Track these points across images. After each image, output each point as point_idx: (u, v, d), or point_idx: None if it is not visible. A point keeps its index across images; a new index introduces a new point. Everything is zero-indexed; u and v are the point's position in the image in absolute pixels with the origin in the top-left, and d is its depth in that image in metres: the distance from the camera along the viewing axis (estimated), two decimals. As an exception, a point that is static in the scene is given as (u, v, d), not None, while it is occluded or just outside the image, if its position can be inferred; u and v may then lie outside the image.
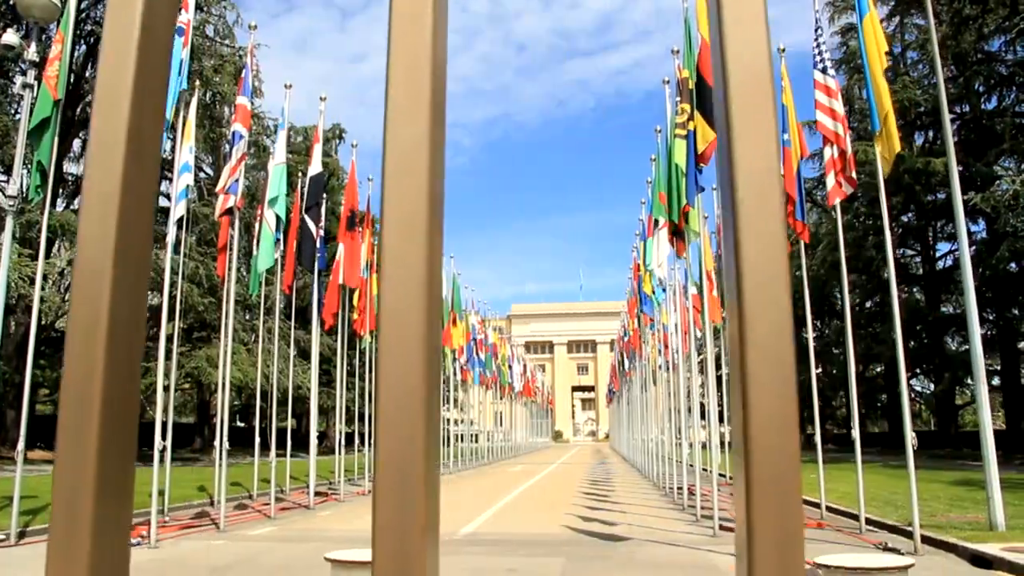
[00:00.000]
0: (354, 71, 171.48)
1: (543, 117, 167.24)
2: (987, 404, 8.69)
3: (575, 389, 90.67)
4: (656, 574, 6.85)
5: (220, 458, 10.59)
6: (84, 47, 25.33)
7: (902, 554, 7.77)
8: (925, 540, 8.19)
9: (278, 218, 11.13)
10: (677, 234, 11.39)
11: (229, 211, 9.93)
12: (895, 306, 8.35)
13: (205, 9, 28.10)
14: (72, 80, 24.49)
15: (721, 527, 9.15)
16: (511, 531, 10.16)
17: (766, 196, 0.63)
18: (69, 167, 27.28)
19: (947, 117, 9.06)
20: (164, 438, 9.31)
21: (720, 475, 19.11)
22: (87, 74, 25.17)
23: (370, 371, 22.64)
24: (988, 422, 8.58)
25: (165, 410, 9.63)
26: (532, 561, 7.51)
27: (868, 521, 9.84)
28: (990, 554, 7.08)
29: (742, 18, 0.66)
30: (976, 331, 8.81)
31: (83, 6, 24.84)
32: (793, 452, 0.55)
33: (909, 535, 8.09)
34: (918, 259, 32.85)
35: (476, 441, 37.89)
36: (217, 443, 10.61)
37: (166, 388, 13.34)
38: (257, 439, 13.27)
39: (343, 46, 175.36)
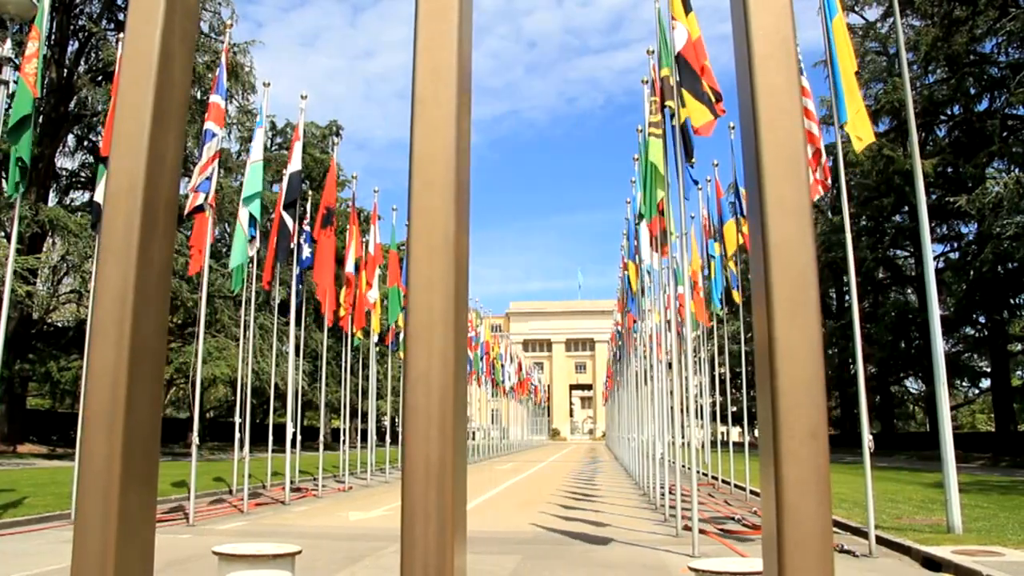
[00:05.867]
0: (363, 67, 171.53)
1: (552, 115, 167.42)
2: (947, 407, 8.72)
3: (573, 387, 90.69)
4: (604, 573, 6.90)
5: (193, 453, 10.67)
6: (76, 43, 25.38)
7: (856, 556, 7.82)
8: (882, 542, 8.24)
9: (251, 216, 11.18)
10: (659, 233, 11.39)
11: (200, 208, 9.99)
12: (855, 307, 8.39)
13: (199, 4, 28.14)
14: (65, 75, 24.57)
15: (685, 527, 9.12)
16: (475, 529, 10.19)
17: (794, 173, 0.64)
18: (63, 162, 27.36)
19: (913, 121, 9.07)
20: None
21: (703, 474, 19.20)
22: (79, 69, 25.21)
23: (364, 367, 22.64)
24: (948, 426, 8.62)
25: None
26: (486, 559, 7.57)
27: (833, 523, 9.87)
28: (940, 556, 7.13)
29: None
30: (938, 335, 8.84)
31: (76, 2, 24.91)
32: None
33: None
34: (911, 260, 32.79)
35: (474, 439, 37.93)
36: (193, 437, 10.69)
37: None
38: (236, 434, 13.37)
39: (353, 42, 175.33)
